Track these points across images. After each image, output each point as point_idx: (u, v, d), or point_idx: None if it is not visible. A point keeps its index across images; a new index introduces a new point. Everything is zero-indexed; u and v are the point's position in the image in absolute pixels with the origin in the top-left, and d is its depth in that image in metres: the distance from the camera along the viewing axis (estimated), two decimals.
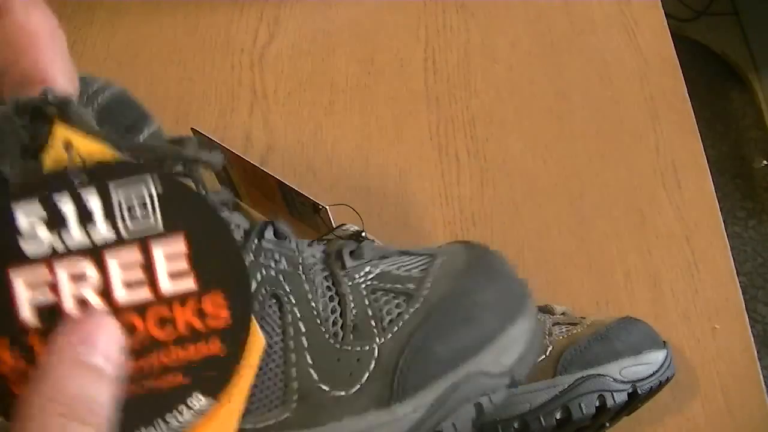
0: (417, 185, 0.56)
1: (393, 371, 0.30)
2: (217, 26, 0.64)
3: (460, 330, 0.32)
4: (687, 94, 0.60)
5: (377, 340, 0.31)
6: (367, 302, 0.32)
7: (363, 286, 0.33)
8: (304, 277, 0.32)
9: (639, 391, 0.41)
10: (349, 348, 0.30)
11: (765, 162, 1.43)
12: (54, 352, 0.22)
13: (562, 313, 0.46)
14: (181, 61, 0.62)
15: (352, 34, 0.64)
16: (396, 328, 0.32)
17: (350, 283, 0.33)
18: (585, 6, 0.65)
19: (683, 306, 0.51)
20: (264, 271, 0.30)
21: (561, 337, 0.43)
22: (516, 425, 0.40)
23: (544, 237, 0.54)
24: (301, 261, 0.33)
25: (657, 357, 0.43)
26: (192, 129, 0.49)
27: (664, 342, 0.44)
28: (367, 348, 0.31)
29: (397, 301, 0.33)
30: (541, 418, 0.40)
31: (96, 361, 0.22)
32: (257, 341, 0.26)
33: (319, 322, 0.31)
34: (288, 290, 0.31)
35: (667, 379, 0.44)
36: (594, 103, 0.60)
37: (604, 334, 0.43)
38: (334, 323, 0.31)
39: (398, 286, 0.34)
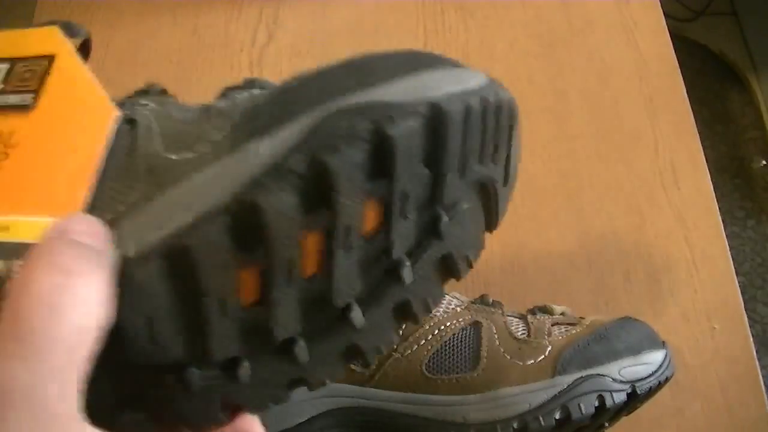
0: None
1: (249, 118, 0.25)
2: (216, 26, 0.64)
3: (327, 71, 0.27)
4: (686, 94, 0.60)
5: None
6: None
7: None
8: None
9: (638, 391, 0.42)
10: (207, 121, 0.26)
11: (764, 162, 1.43)
12: (43, 246, 0.21)
13: (561, 313, 0.46)
14: (180, 61, 0.62)
15: (351, 34, 0.64)
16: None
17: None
18: (583, 6, 0.65)
19: (682, 306, 0.51)
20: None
21: (560, 337, 0.43)
22: (515, 425, 0.40)
23: (544, 237, 0.54)
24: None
25: (656, 357, 0.43)
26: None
27: (663, 342, 0.44)
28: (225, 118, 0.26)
29: None
30: (541, 418, 0.40)
31: (89, 242, 0.21)
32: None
33: (176, 116, 0.27)
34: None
35: (666, 379, 0.44)
36: (593, 103, 0.60)
37: (603, 334, 0.43)
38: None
39: None
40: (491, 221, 0.30)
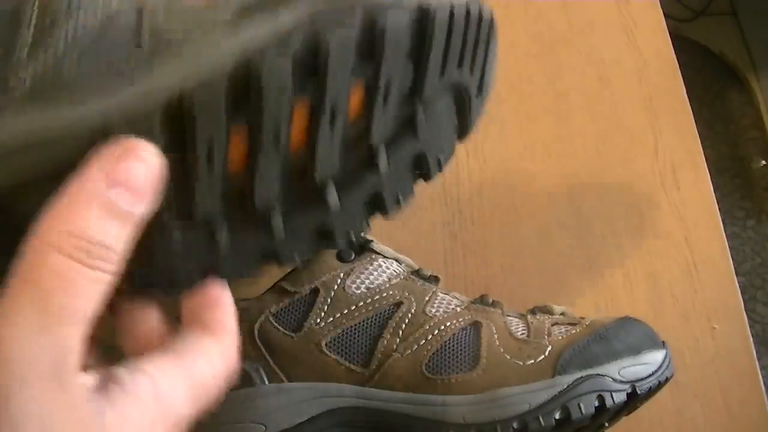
0: (416, 185, 0.56)
1: None
2: None
3: None
4: (686, 95, 0.60)
5: None
6: None
7: None
8: None
9: (638, 391, 0.41)
10: (213, 6, 0.29)
11: (764, 162, 1.43)
12: (83, 189, 0.21)
13: (561, 314, 0.46)
14: None
15: None
16: None
17: None
18: (584, 6, 0.65)
19: (682, 306, 0.51)
20: None
21: (560, 338, 0.43)
22: (515, 425, 0.40)
23: (544, 237, 0.54)
24: None
25: (656, 357, 0.43)
26: None
27: (663, 342, 0.44)
28: None
29: None
30: (540, 418, 0.40)
31: (127, 208, 0.22)
32: None
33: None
34: None
35: (666, 380, 0.44)
36: (593, 103, 0.60)
37: (603, 334, 0.43)
38: None
39: None
40: (463, 128, 0.33)
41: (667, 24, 0.64)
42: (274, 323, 0.42)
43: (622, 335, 0.43)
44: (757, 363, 0.49)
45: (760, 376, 0.49)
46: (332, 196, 0.28)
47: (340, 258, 0.44)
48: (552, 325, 0.44)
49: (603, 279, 0.52)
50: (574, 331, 0.43)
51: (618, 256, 0.53)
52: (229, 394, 0.40)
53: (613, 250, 0.53)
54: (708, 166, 0.57)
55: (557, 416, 0.40)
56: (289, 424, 0.41)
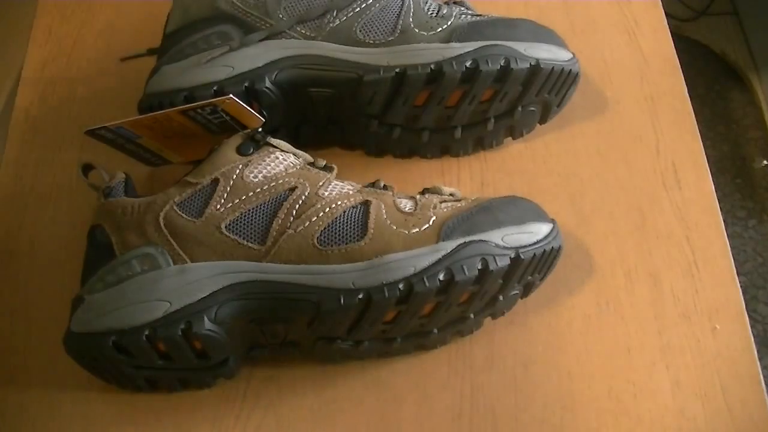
0: (418, 185, 0.56)
1: None
2: None
3: None
4: (687, 94, 0.60)
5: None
6: None
7: None
8: None
9: (522, 257, 0.43)
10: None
11: (765, 162, 1.43)
12: None
13: (450, 194, 0.48)
14: None
15: None
16: None
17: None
18: (585, 6, 0.65)
19: (683, 306, 0.51)
20: None
21: (445, 210, 0.45)
22: (401, 287, 0.42)
23: None
24: None
25: (541, 228, 0.45)
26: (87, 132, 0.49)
27: (552, 219, 0.46)
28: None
29: None
30: (425, 280, 0.42)
31: None
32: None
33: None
34: None
35: (553, 250, 0.45)
36: (594, 103, 0.60)
37: (487, 206, 0.45)
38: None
39: None
40: (542, 121, 0.57)
41: (668, 23, 0.64)
42: (178, 211, 0.44)
43: (508, 208, 0.46)
44: (758, 363, 0.49)
45: (761, 376, 0.49)
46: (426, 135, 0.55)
47: (240, 152, 0.46)
48: (440, 203, 0.46)
49: (604, 278, 0.52)
50: (459, 205, 0.45)
51: (619, 255, 0.53)
52: (136, 278, 0.43)
53: (613, 250, 0.53)
54: (709, 165, 0.57)
55: (441, 277, 0.42)
56: (192, 300, 0.43)
